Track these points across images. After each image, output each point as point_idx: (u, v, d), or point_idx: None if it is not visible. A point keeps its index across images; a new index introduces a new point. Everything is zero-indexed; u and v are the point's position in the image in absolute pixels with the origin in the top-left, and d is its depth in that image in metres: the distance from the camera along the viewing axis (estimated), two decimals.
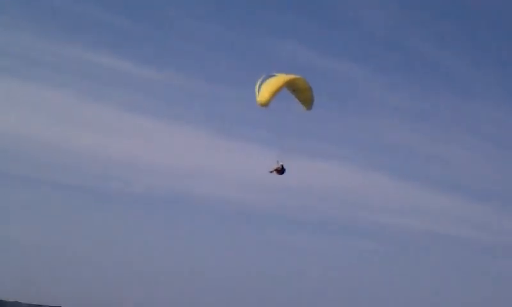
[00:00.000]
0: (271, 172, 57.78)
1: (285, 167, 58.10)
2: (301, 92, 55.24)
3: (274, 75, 53.82)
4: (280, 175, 57.87)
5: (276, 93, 52.65)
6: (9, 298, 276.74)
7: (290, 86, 54.44)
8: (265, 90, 52.50)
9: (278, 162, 57.05)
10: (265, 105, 52.66)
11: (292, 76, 53.74)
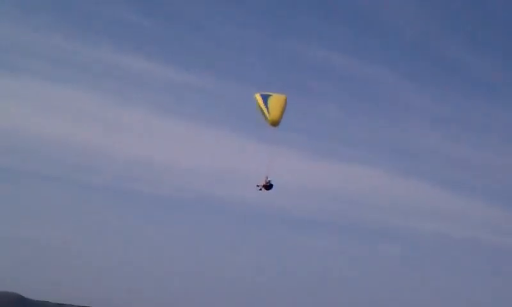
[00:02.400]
0: (259, 188, 57.83)
1: (272, 183, 57.80)
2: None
3: (269, 95, 56.61)
4: (267, 191, 58.15)
5: (283, 112, 55.50)
6: (38, 297, 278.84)
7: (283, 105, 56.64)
8: (273, 109, 55.38)
9: (266, 177, 57.21)
10: (278, 123, 55.32)
11: (283, 95, 56.43)
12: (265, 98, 56.35)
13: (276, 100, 56.31)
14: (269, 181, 57.35)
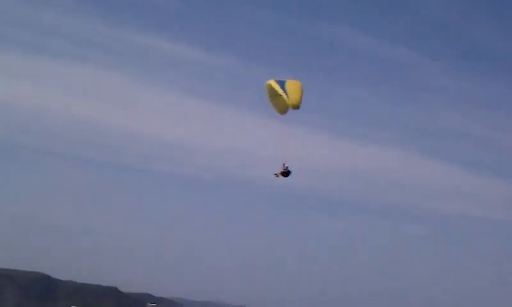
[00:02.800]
0: (277, 175, 58.25)
1: (290, 169, 58.21)
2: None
3: (284, 80, 57.12)
4: (285, 177, 58.61)
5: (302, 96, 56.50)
6: (64, 277, 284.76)
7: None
8: (294, 93, 56.38)
9: (284, 164, 57.65)
10: (298, 106, 56.44)
11: (299, 81, 57.37)
12: (281, 83, 56.78)
13: (294, 85, 56.84)
14: (287, 167, 57.52)
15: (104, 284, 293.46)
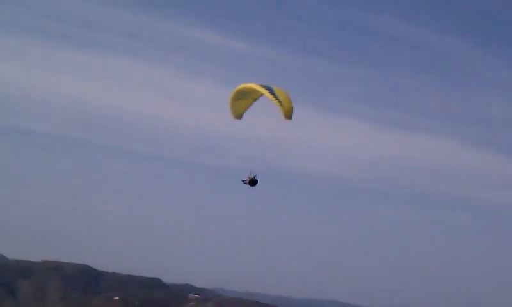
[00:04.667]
0: (244, 182, 56.73)
1: (257, 178, 56.59)
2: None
3: (271, 87, 53.69)
4: (252, 187, 56.73)
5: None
6: (109, 269, 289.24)
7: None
8: (286, 101, 52.82)
9: (250, 173, 56.24)
10: (291, 116, 52.37)
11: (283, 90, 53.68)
12: (269, 89, 53.34)
13: (282, 93, 53.20)
14: (254, 176, 56.41)
15: (146, 275, 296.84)
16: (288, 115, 52.34)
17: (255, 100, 55.73)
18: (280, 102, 52.40)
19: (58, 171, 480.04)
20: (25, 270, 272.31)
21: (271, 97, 52.62)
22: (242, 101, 55.55)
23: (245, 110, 56.33)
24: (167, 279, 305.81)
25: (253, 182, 56.22)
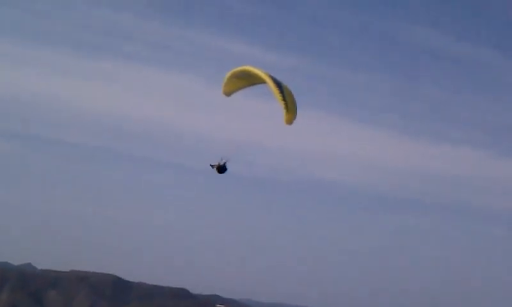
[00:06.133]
0: (212, 166, 53.07)
1: (227, 166, 53.21)
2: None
3: (281, 83, 49.58)
4: (220, 173, 52.96)
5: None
6: (136, 279, 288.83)
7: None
8: (292, 105, 49.11)
9: (221, 159, 53.08)
10: (293, 120, 49.18)
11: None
12: (279, 85, 49.35)
13: (290, 94, 49.52)
14: (224, 163, 53.24)
15: (174, 285, 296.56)
16: (290, 123, 49.45)
17: (253, 85, 51.74)
18: (286, 103, 48.93)
19: (87, 182, 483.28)
20: (53, 280, 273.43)
21: (279, 96, 48.97)
22: (241, 80, 51.65)
23: (236, 91, 52.75)
24: (194, 289, 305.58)
25: (221, 168, 53.22)
